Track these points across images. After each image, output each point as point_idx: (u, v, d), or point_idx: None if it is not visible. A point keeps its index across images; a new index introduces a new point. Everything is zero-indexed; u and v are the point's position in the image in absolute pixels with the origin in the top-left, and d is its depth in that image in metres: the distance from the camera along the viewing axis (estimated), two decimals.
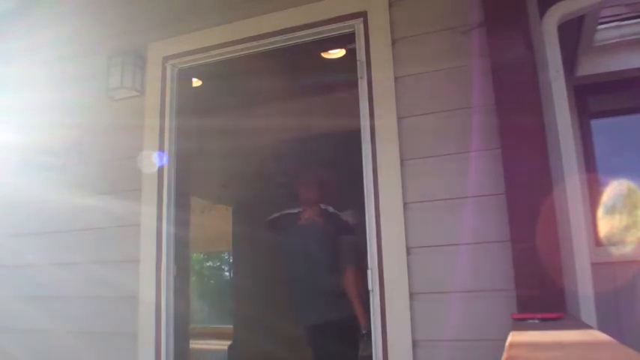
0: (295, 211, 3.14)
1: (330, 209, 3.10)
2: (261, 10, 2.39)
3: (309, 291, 2.98)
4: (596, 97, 3.49)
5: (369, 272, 2.00)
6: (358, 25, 2.21)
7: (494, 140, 1.85)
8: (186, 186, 2.56)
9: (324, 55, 3.28)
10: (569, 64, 3.19)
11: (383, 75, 2.10)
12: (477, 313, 1.81)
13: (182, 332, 2.42)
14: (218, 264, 12.17)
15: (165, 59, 2.57)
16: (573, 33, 2.92)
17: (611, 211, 3.22)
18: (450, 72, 2.03)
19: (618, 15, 3.27)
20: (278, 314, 3.95)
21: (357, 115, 2.16)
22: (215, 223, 5.93)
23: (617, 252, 3.08)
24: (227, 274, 11.43)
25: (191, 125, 2.63)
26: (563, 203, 1.77)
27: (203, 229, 5.26)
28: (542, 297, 1.61)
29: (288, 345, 3.90)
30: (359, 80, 2.16)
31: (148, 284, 2.35)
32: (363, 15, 2.20)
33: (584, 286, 1.73)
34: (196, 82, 2.96)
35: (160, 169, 2.46)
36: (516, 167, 1.76)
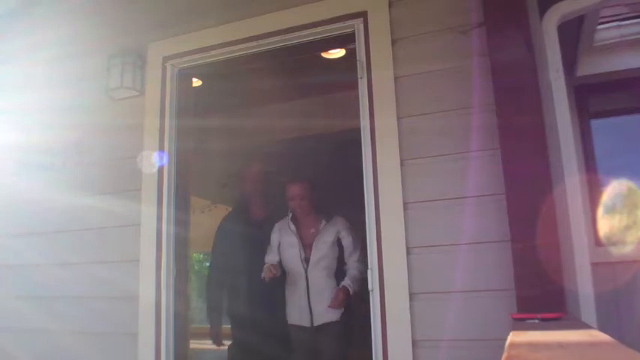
0: None
1: None
2: (261, 10, 2.39)
3: None
4: (596, 97, 3.49)
5: (369, 272, 2.00)
6: (358, 25, 2.21)
7: (494, 140, 1.85)
8: (186, 186, 2.56)
9: (324, 55, 3.28)
10: (569, 64, 3.19)
11: (383, 75, 2.10)
12: (476, 313, 1.81)
13: (182, 332, 2.42)
14: None
15: (165, 59, 2.57)
16: (573, 33, 2.92)
17: (611, 211, 3.22)
18: (450, 72, 2.03)
19: (618, 15, 3.27)
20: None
21: (357, 115, 2.16)
22: (215, 222, 5.91)
23: (617, 252, 3.08)
24: None
25: (191, 125, 2.63)
26: (563, 203, 1.77)
27: (203, 229, 5.25)
28: (542, 297, 1.61)
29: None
30: (359, 80, 2.16)
31: (148, 284, 2.35)
32: (363, 15, 2.19)
33: (584, 286, 1.73)
34: (196, 82, 2.96)
35: (160, 169, 2.46)
36: (516, 167, 1.76)
